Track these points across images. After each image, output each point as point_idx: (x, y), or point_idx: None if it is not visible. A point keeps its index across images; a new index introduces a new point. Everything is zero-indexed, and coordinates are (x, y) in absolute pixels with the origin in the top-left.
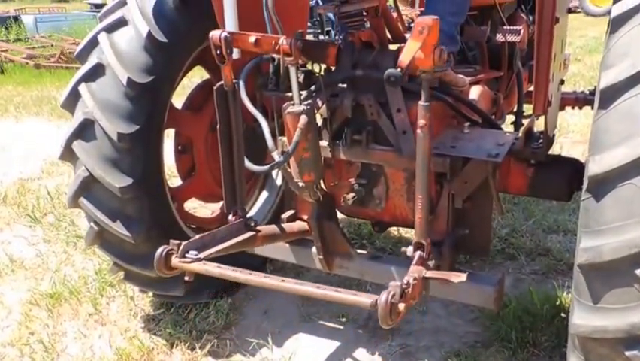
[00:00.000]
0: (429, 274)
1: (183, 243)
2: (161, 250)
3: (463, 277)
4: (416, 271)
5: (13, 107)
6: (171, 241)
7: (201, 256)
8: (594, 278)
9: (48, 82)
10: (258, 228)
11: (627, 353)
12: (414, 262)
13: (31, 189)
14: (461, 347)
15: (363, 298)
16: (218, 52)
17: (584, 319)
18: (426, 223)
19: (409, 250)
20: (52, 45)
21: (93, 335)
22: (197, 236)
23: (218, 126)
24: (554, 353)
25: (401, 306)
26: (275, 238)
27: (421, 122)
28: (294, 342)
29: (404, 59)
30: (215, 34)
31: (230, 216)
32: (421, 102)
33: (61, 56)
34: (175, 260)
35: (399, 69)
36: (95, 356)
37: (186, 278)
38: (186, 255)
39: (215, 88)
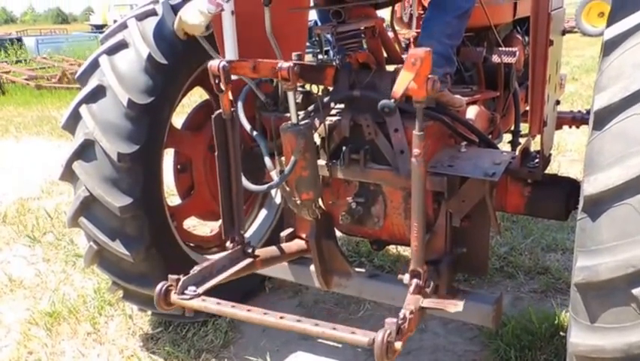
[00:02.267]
0: (425, 304)
1: (182, 278)
2: (160, 286)
3: (459, 306)
4: (412, 303)
5: (14, 128)
6: (170, 276)
7: (200, 290)
8: (591, 297)
9: (49, 102)
10: (257, 253)
11: None
12: (410, 290)
13: (30, 209)
14: None
15: (360, 337)
16: (216, 81)
17: (581, 338)
18: (422, 251)
19: (406, 277)
20: (53, 66)
21: (92, 355)
22: (196, 268)
23: (216, 153)
24: None
25: (397, 344)
26: (274, 260)
27: (416, 151)
28: (293, 359)
29: (397, 89)
30: (213, 63)
31: (229, 243)
32: (415, 131)
33: (64, 77)
34: (174, 296)
35: (392, 100)
36: None
37: (186, 314)
38: (185, 291)
39: (213, 116)
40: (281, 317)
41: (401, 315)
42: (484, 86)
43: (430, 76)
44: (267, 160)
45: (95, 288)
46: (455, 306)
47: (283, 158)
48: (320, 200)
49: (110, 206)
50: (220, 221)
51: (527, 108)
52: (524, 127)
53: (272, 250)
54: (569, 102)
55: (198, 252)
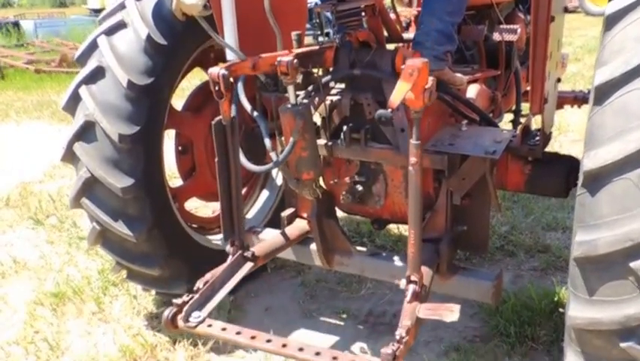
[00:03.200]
0: (422, 314)
1: (187, 303)
2: (167, 312)
3: (456, 312)
4: (409, 315)
5: (14, 112)
6: (174, 301)
7: (205, 312)
8: (589, 271)
9: (48, 86)
10: (257, 253)
11: (622, 345)
12: (407, 299)
13: (33, 192)
14: (460, 341)
15: None
16: (216, 88)
17: (579, 311)
18: (419, 257)
19: (402, 282)
20: (52, 50)
21: (97, 333)
22: (199, 287)
23: (216, 160)
24: (552, 347)
25: None
26: (276, 251)
27: (412, 159)
28: (295, 338)
29: (394, 99)
30: (213, 71)
31: (229, 247)
32: (412, 140)
33: (62, 62)
34: (181, 323)
35: (389, 110)
36: (99, 353)
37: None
38: (190, 319)
39: (213, 123)
40: (283, 345)
41: (397, 335)
42: (485, 65)
43: (426, 87)
44: (267, 141)
45: (98, 269)
46: (452, 313)
47: (283, 138)
48: (321, 180)
49: (111, 187)
50: None
51: (528, 88)
52: (525, 107)
53: (272, 241)
54: (572, 83)
55: (201, 233)
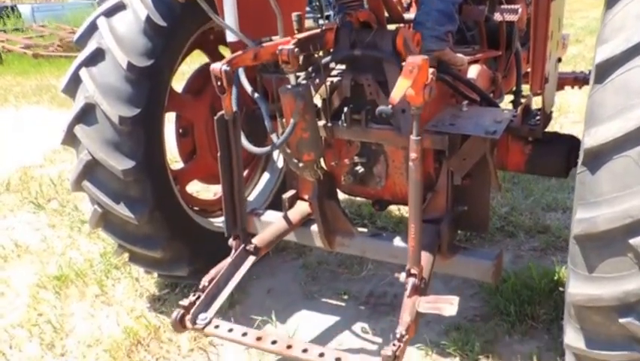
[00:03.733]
0: (422, 309)
1: (194, 304)
2: (175, 314)
3: (455, 305)
4: (409, 310)
5: (13, 97)
6: (180, 303)
7: (211, 313)
8: (589, 248)
9: (47, 71)
10: (259, 244)
11: (621, 321)
12: (407, 293)
13: (34, 177)
14: (461, 321)
15: None
16: (219, 83)
17: (579, 288)
18: (418, 251)
19: (402, 276)
20: (50, 34)
21: (100, 315)
22: (205, 285)
23: (219, 154)
24: (552, 325)
25: None
26: (278, 238)
27: (412, 155)
28: (297, 319)
29: (395, 96)
30: (215, 66)
31: (231, 241)
32: (412, 136)
33: (59, 46)
34: (189, 325)
35: (390, 106)
36: (103, 334)
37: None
38: (197, 321)
39: (215, 118)
40: (288, 346)
41: (397, 333)
42: (485, 45)
43: (427, 83)
44: (268, 122)
45: (101, 252)
46: (451, 306)
47: (284, 119)
48: (322, 161)
49: (112, 169)
50: None
51: (529, 69)
52: (526, 88)
53: (273, 230)
54: (572, 64)
55: (202, 215)
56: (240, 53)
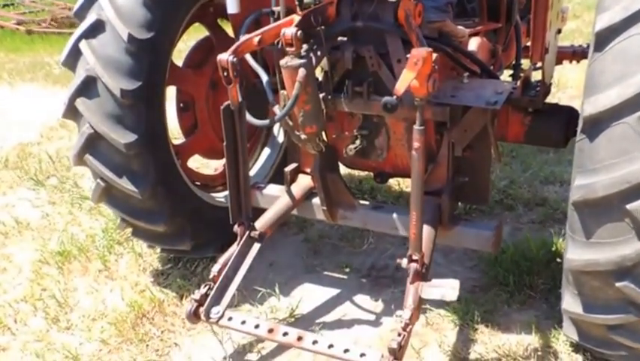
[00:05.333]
0: (425, 294)
1: (206, 296)
2: (189, 307)
3: (456, 290)
4: (412, 294)
5: (7, 74)
6: (191, 297)
7: (223, 306)
8: (587, 215)
9: (41, 48)
10: (263, 229)
11: (617, 284)
12: (409, 278)
13: (32, 154)
14: (461, 292)
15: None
16: (225, 74)
17: (577, 254)
18: (419, 238)
19: (404, 262)
20: (42, 10)
21: (104, 290)
22: (215, 274)
23: (224, 143)
24: (550, 294)
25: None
26: (280, 219)
27: (415, 144)
28: (300, 292)
29: (399, 87)
30: (222, 57)
31: (236, 227)
32: (416, 127)
33: (52, 22)
34: (203, 318)
35: (395, 97)
36: (107, 308)
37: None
38: (210, 315)
39: (222, 108)
40: (299, 337)
41: (402, 323)
42: (485, 18)
43: (431, 75)
44: (270, 95)
45: (102, 228)
46: (453, 291)
47: (285, 92)
48: (323, 133)
49: (115, 143)
50: (224, 159)
51: (529, 43)
52: (525, 62)
53: (276, 211)
54: (570, 39)
55: (204, 190)
56: (244, 39)
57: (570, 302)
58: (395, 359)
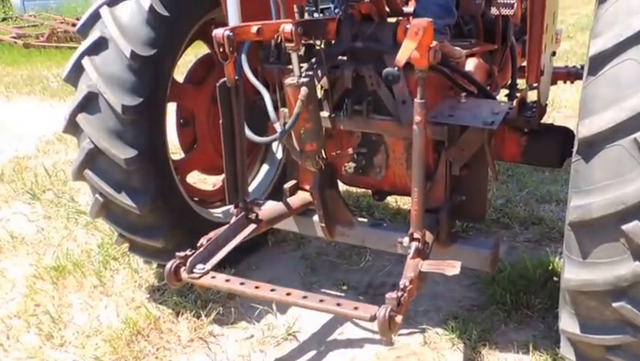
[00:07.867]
0: (425, 268)
1: (190, 257)
2: (170, 264)
3: (457, 267)
4: (412, 268)
5: (4, 87)
6: (177, 254)
7: (208, 266)
8: (583, 235)
9: (38, 61)
10: (260, 215)
11: (614, 305)
12: (410, 255)
13: (28, 167)
14: (458, 310)
15: (362, 313)
16: (221, 49)
17: (574, 273)
18: (421, 216)
19: (405, 240)
20: (41, 24)
21: (99, 306)
22: (203, 243)
23: (221, 122)
24: (547, 313)
25: (399, 318)
26: (278, 218)
27: (417, 118)
28: (297, 309)
29: (400, 58)
30: (218, 32)
31: (233, 208)
32: (417, 99)
33: (52, 37)
34: (184, 275)
35: (396, 68)
36: (102, 325)
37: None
38: (194, 270)
39: (218, 85)
40: (288, 293)
41: (401, 284)
42: (482, 39)
43: (431, 45)
44: (271, 112)
45: (98, 243)
46: (453, 268)
47: (286, 110)
48: (323, 151)
49: (115, 158)
50: (223, 175)
51: (524, 63)
52: (521, 82)
53: (275, 208)
54: (564, 60)
55: (202, 206)
56: (243, 24)
57: (567, 322)
58: (392, 312)
